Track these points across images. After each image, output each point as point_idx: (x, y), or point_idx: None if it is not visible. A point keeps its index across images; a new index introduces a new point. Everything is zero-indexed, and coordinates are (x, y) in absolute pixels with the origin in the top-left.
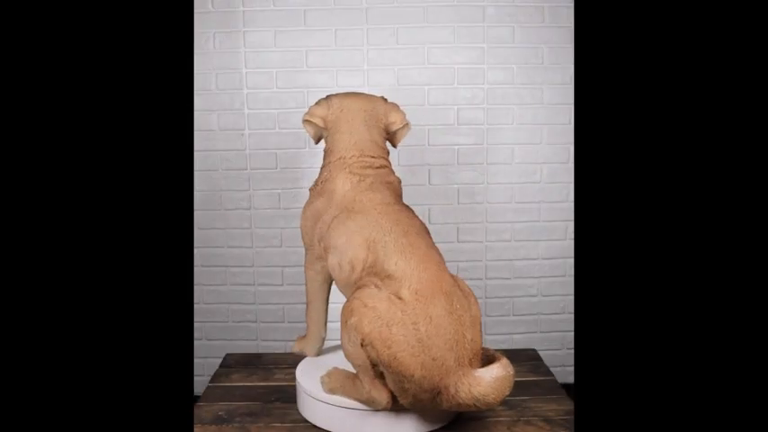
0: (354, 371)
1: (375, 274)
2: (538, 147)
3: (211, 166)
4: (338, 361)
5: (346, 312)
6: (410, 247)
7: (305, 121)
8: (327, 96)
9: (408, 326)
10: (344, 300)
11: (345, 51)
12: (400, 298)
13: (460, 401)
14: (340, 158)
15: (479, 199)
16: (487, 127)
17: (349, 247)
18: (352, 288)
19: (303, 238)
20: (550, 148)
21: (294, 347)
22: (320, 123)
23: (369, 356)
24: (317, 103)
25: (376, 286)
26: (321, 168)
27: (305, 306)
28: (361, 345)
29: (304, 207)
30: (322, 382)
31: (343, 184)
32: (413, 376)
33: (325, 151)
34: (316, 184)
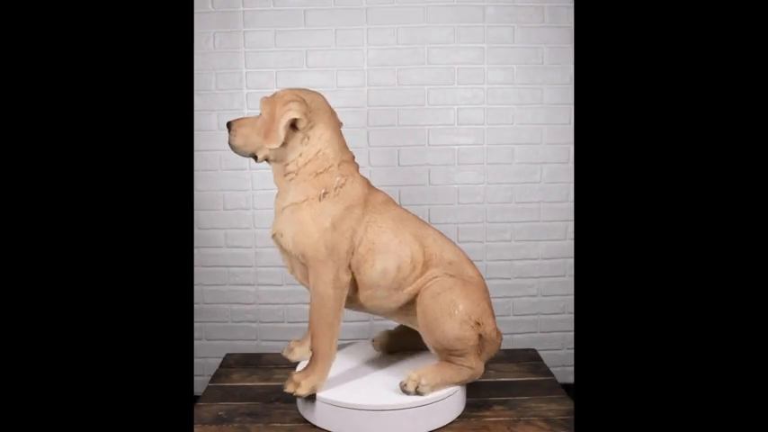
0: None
1: (435, 264)
2: (538, 147)
3: (211, 167)
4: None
5: (449, 305)
6: (441, 234)
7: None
8: (292, 92)
9: (486, 297)
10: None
11: (345, 51)
12: (471, 276)
13: (498, 343)
14: (344, 161)
15: (479, 199)
16: (487, 127)
17: (405, 245)
18: (409, 286)
19: (317, 253)
20: (550, 148)
21: (300, 390)
22: (305, 123)
23: (477, 334)
24: (293, 100)
25: (449, 275)
26: (313, 174)
27: (303, 328)
28: (478, 324)
29: (312, 219)
30: (416, 387)
31: (362, 187)
32: (497, 336)
33: (310, 154)
34: (324, 191)
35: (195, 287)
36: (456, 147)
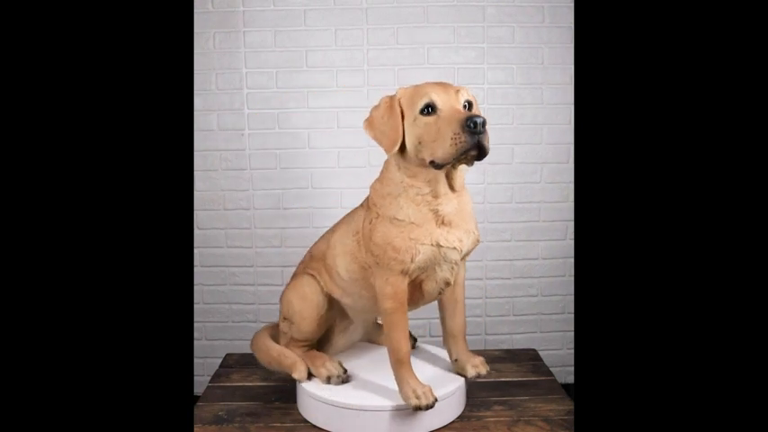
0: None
1: None
2: (538, 147)
3: (211, 166)
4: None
5: None
6: None
7: None
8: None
9: None
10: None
11: (345, 51)
12: None
13: None
14: None
15: (479, 199)
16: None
17: None
18: None
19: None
20: (550, 148)
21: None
22: None
23: None
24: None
25: None
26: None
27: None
28: None
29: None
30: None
31: None
32: None
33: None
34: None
35: (195, 287)
36: None
